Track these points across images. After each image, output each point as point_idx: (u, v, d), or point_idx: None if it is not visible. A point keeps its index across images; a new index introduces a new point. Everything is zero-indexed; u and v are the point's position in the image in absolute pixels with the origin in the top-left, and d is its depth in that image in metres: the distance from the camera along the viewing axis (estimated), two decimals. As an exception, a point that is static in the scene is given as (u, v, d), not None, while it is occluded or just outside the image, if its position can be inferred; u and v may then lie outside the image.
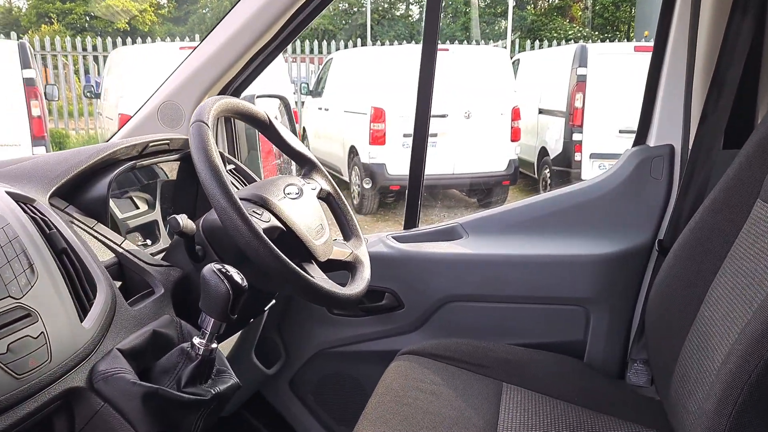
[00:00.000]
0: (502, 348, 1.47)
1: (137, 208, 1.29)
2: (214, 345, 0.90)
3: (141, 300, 1.00)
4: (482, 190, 7.36)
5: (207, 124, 1.06)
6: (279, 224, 1.12)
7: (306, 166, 1.36)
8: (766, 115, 1.15)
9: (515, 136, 7.01)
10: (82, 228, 1.00)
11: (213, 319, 0.87)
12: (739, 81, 1.34)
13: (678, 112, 1.44)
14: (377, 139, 6.68)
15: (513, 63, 8.15)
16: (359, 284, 1.22)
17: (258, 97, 1.89)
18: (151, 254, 1.18)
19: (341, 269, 1.27)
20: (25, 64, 6.48)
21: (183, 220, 1.03)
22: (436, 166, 6.68)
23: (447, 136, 6.76)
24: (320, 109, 8.33)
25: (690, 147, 1.41)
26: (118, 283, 1.00)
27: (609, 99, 6.51)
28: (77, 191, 1.07)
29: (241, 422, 1.73)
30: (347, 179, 7.14)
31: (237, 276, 0.88)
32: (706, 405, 0.96)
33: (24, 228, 0.83)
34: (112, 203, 1.22)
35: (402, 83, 6.24)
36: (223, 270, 0.87)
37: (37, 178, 1.01)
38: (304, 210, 1.19)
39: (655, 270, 1.47)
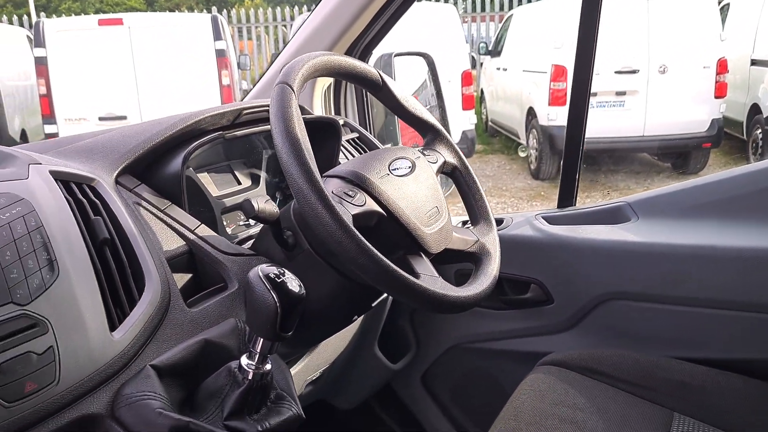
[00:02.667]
0: (675, 365, 1.15)
1: (239, 183, 1.16)
2: (267, 367, 0.73)
3: (205, 299, 0.85)
4: (678, 154, 6.57)
5: (292, 87, 0.88)
6: (378, 208, 0.92)
7: (428, 134, 1.13)
8: None
9: (720, 91, 6.11)
10: (150, 211, 0.88)
11: (262, 339, 0.70)
12: None
13: None
14: (558, 99, 6.18)
15: (721, 7, 7.09)
16: (482, 282, 0.98)
17: (396, 55, 1.70)
18: (246, 238, 1.04)
19: (462, 261, 1.04)
20: (217, 36, 6.89)
21: (260, 202, 0.87)
22: (623, 128, 6.05)
23: (638, 95, 6.09)
24: (498, 69, 7.95)
25: None
26: (187, 277, 0.87)
27: None
28: (152, 168, 0.95)
29: (368, 413, 1.59)
30: (524, 142, 6.75)
31: (291, 283, 0.70)
32: None
33: (58, 215, 0.71)
34: (207, 178, 1.10)
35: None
36: (272, 275, 0.69)
37: (107, 153, 0.90)
38: (413, 190, 0.98)
39: None
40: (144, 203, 0.88)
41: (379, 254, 0.82)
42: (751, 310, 1.16)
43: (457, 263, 1.39)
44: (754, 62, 6.53)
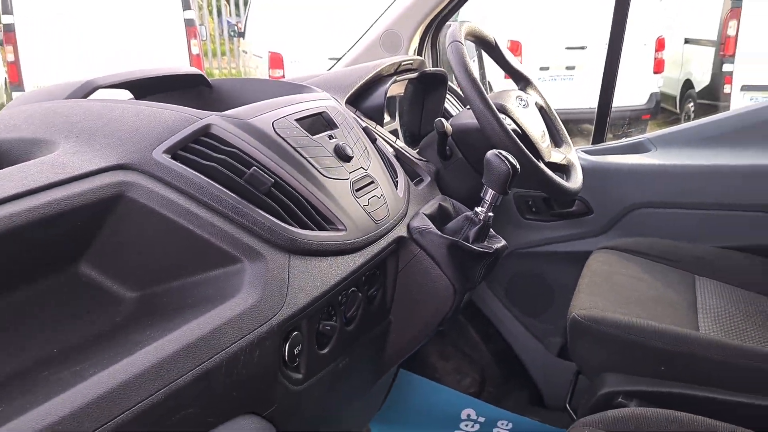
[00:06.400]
0: (691, 247, 1.63)
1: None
2: (491, 213, 1.14)
3: (419, 183, 1.27)
4: (619, 125, 7.22)
5: (462, 43, 1.29)
6: (516, 128, 1.34)
7: (522, 82, 1.57)
8: None
9: (658, 67, 6.77)
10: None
11: (494, 192, 1.12)
12: None
13: None
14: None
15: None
16: (577, 181, 1.43)
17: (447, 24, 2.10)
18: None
19: (558, 170, 1.48)
20: (186, 5, 7.03)
21: (445, 123, 1.28)
22: (573, 99, 6.62)
23: (585, 69, 6.67)
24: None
25: None
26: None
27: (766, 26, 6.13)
28: (360, 100, 1.34)
29: None
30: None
31: (514, 159, 1.11)
32: None
33: (355, 123, 1.11)
34: None
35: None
36: (504, 154, 1.11)
37: (334, 88, 1.28)
38: (532, 117, 1.41)
39: None
40: (363, 122, 1.27)
41: (531, 156, 1.25)
42: (749, 210, 1.66)
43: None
44: (687, 41, 7.23)
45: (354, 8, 6.61)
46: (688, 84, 7.15)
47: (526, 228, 1.89)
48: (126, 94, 1.19)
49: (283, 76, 6.90)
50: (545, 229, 1.88)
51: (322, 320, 0.94)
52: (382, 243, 1.03)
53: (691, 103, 7.08)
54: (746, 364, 1.14)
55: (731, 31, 6.38)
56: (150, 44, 6.78)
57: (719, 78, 6.55)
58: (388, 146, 1.28)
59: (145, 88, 1.16)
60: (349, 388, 1.09)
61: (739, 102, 6.42)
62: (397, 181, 1.17)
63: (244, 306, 0.77)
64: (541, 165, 1.29)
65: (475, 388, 1.96)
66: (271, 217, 0.86)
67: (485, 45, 1.49)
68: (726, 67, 6.45)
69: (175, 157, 0.84)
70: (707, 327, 1.26)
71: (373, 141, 1.16)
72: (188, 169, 0.83)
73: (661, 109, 7.29)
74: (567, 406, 1.47)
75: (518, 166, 1.11)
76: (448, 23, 2.00)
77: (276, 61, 7.01)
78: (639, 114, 6.85)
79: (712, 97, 6.67)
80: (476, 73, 1.25)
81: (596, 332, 1.25)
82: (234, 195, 0.84)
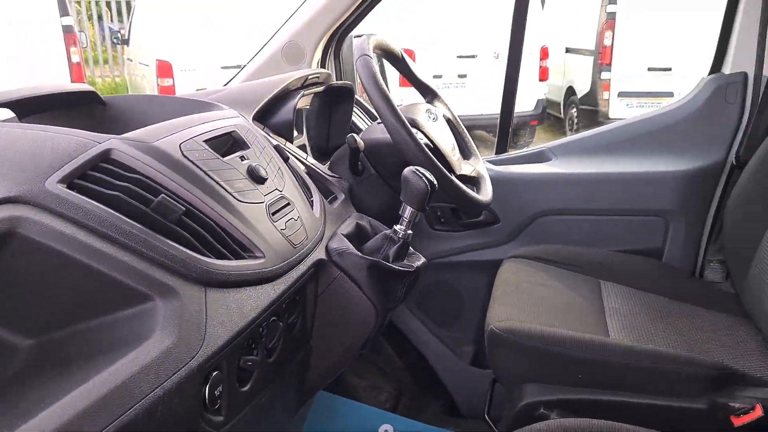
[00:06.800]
0: (593, 252, 1.70)
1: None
2: (410, 231, 1.12)
3: (333, 201, 1.23)
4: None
5: (371, 57, 1.26)
6: (428, 141, 1.34)
7: (429, 95, 1.57)
8: None
9: (543, 75, 7.09)
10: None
11: (412, 209, 1.10)
12: None
13: (752, 42, 1.62)
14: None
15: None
16: (488, 193, 1.44)
17: (355, 36, 2.08)
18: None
19: (468, 183, 1.49)
20: (63, 12, 6.61)
21: (358, 138, 1.25)
22: (465, 107, 6.81)
23: (476, 77, 6.88)
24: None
25: (764, 74, 1.60)
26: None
27: (639, 36, 6.58)
28: (267, 116, 1.28)
29: None
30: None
31: (431, 176, 1.10)
32: None
33: (267, 142, 1.06)
34: None
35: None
36: (421, 171, 1.09)
37: (240, 104, 1.22)
38: (442, 131, 1.41)
39: (728, 183, 1.68)
40: (271, 139, 1.21)
41: (444, 170, 1.24)
42: (640, 214, 1.75)
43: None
44: (568, 50, 7.63)
45: (242, 7, 6.48)
46: (570, 91, 7.54)
47: (436, 239, 1.90)
48: (5, 113, 1.07)
49: (173, 86, 6.64)
50: (454, 239, 1.90)
51: (243, 355, 0.88)
52: (302, 268, 0.98)
53: (574, 109, 7.48)
54: (657, 368, 1.19)
55: (607, 41, 6.80)
56: (26, 52, 6.32)
57: (598, 85, 6.97)
58: (300, 164, 1.24)
59: (28, 106, 1.05)
60: (271, 422, 1.03)
61: (617, 107, 6.85)
62: (312, 201, 1.12)
63: (159, 349, 0.70)
64: (454, 179, 1.29)
65: (391, 403, 1.95)
66: (183, 248, 0.79)
67: (392, 58, 1.47)
68: (604, 75, 6.86)
69: (71, 187, 0.76)
70: (617, 332, 1.31)
71: (286, 160, 1.11)
72: (87, 199, 0.75)
73: (547, 115, 7.65)
74: (486, 416, 1.48)
75: (436, 183, 1.10)
76: (351, 35, 1.99)
77: (164, 69, 6.74)
78: (527, 120, 7.14)
79: (593, 103, 7.08)
80: (387, 88, 1.23)
81: (514, 343, 1.26)
82: (141, 226, 0.77)
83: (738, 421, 1.12)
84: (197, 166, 0.88)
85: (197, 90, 1.47)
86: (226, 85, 1.82)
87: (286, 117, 1.28)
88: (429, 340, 1.94)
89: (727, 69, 1.73)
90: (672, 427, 1.13)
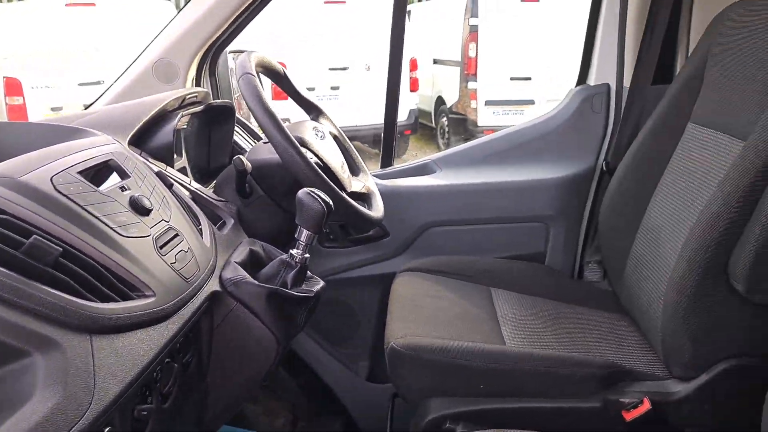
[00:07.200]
0: (482, 260, 1.74)
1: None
2: (307, 255, 1.08)
3: (222, 227, 1.16)
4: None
5: (254, 75, 1.22)
6: (318, 160, 1.30)
7: (314, 112, 1.54)
8: (694, 52, 1.45)
9: (413, 86, 7.28)
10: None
11: (309, 232, 1.06)
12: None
13: (612, 55, 1.73)
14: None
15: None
16: (379, 208, 1.43)
17: (231, 52, 2.01)
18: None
19: (359, 199, 1.47)
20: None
21: (245, 160, 1.20)
22: (339, 118, 6.82)
23: (348, 89, 6.93)
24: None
25: (624, 85, 1.72)
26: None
27: (501, 48, 6.92)
28: (144, 139, 1.19)
29: None
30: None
31: (326, 197, 1.07)
32: (660, 285, 1.27)
33: (148, 169, 0.98)
34: None
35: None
36: (316, 192, 1.05)
37: (113, 128, 1.13)
38: (330, 148, 1.38)
39: (599, 188, 1.79)
40: (150, 165, 1.13)
41: (336, 188, 1.22)
42: (521, 221, 1.81)
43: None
44: (435, 61, 7.88)
45: (100, 14, 6.10)
46: (440, 101, 7.79)
47: (326, 256, 1.87)
48: None
49: (24, 104, 6.12)
50: (344, 255, 1.87)
51: (136, 405, 0.80)
52: (196, 302, 0.92)
53: (445, 118, 7.73)
54: (552, 372, 1.23)
55: (472, 53, 7.10)
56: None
57: (465, 94, 7.25)
58: (184, 190, 1.16)
59: None
60: None
61: (485, 115, 7.15)
62: (201, 229, 1.06)
63: (42, 412, 0.62)
64: (347, 197, 1.27)
65: (288, 427, 1.89)
66: (62, 294, 0.71)
67: (274, 75, 1.43)
68: (471, 85, 7.15)
69: None
70: (511, 339, 1.34)
71: (170, 186, 1.04)
72: None
73: (420, 125, 7.85)
74: None
75: (332, 204, 1.07)
76: (227, 50, 1.92)
77: (13, 87, 6.20)
78: (401, 130, 7.29)
79: (462, 111, 7.35)
80: (272, 107, 1.19)
81: (416, 359, 1.26)
82: (10, 272, 0.68)
83: (629, 416, 1.18)
84: (73, 201, 0.80)
85: (52, 109, 1.34)
86: (89, 106, 1.69)
87: (166, 140, 1.20)
88: (323, 358, 1.90)
89: (592, 80, 1.85)
90: (574, 428, 1.17)
